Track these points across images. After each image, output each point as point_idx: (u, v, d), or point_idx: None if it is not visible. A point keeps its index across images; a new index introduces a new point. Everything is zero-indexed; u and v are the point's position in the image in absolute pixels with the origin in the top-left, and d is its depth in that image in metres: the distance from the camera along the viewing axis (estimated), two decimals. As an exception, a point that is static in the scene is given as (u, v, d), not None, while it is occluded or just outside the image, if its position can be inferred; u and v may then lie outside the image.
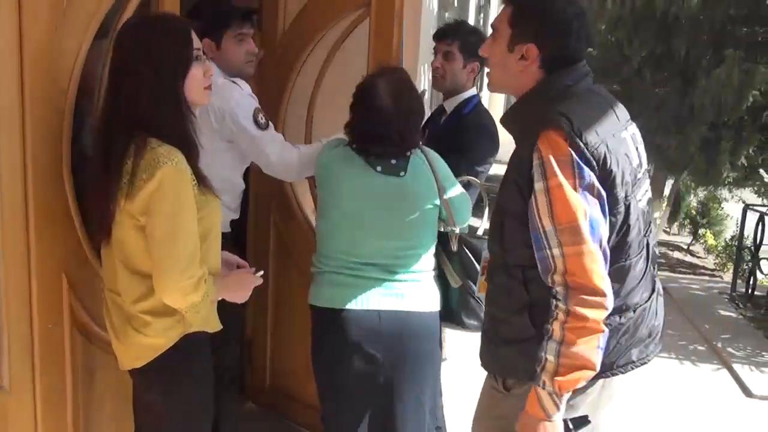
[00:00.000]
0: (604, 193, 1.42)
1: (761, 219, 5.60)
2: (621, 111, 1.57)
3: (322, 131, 2.64)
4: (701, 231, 8.15)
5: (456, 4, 8.61)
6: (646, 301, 1.57)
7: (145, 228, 1.53)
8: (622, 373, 1.55)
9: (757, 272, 5.65)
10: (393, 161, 2.02)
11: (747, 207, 5.93)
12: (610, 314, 1.43)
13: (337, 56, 2.67)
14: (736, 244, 6.23)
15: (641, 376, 1.68)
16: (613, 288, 1.42)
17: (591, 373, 1.40)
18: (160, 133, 1.54)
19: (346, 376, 2.02)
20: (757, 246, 5.65)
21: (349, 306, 2.00)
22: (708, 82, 5.53)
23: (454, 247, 2.15)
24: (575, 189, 1.38)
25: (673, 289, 5.69)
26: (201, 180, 1.61)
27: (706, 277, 6.65)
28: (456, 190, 2.14)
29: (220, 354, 2.47)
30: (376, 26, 2.50)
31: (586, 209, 1.38)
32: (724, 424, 3.58)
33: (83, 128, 1.82)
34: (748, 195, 7.11)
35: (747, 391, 3.97)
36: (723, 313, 5.38)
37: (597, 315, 1.38)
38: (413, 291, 2.05)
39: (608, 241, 1.44)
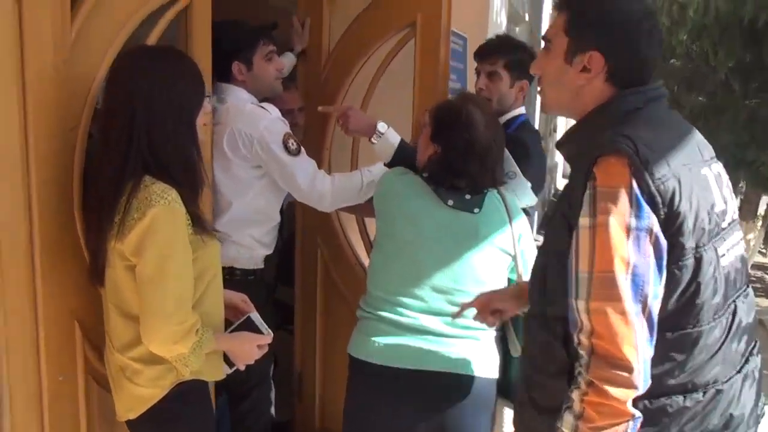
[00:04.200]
0: (664, 242, 1.15)
1: None
2: (704, 146, 1.32)
3: (367, 161, 2.49)
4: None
5: (527, 18, 8.31)
6: (725, 382, 1.26)
7: (135, 268, 1.44)
8: None
9: None
10: (468, 196, 1.80)
11: None
12: (672, 393, 1.18)
13: (381, 81, 2.52)
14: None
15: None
16: (675, 360, 1.17)
17: None
18: (164, 171, 1.45)
19: None
20: None
21: (392, 363, 1.77)
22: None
23: None
24: (626, 232, 1.13)
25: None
26: (196, 220, 1.50)
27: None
28: (530, 243, 1.89)
29: (252, 399, 2.36)
30: (422, 47, 2.35)
31: (632, 259, 1.13)
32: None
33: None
34: None
35: None
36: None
37: (622, 394, 1.12)
38: (470, 351, 1.79)
39: (667, 302, 1.18)
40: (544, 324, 1.31)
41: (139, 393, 1.53)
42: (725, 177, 1.33)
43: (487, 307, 1.67)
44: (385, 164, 2.15)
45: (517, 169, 2.03)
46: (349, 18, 2.57)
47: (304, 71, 2.74)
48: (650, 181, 1.14)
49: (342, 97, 2.60)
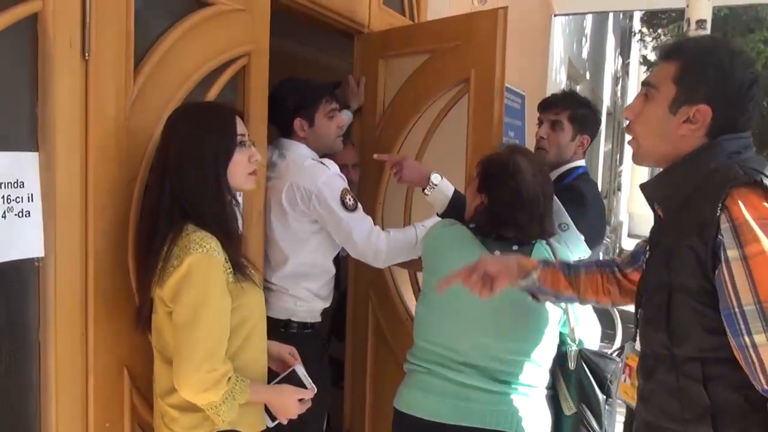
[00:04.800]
0: None
1: None
2: None
3: (420, 215, 2.48)
4: None
5: (588, 77, 8.28)
6: None
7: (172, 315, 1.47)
8: None
9: None
10: (515, 247, 1.78)
11: None
12: None
13: (435, 136, 2.53)
14: None
15: None
16: None
17: None
18: (200, 219, 1.50)
19: None
20: None
21: (435, 417, 1.73)
22: None
23: (572, 365, 1.80)
24: None
25: None
26: (238, 268, 1.53)
27: None
28: None
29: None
30: (476, 101, 2.37)
31: None
32: None
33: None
34: None
35: None
36: None
37: None
38: (520, 408, 1.72)
39: None
40: (673, 366, 1.27)
41: None
42: None
43: (470, 274, 1.59)
44: (438, 215, 2.14)
45: (570, 221, 1.98)
46: (403, 76, 2.61)
47: (359, 128, 2.79)
48: None
49: (396, 152, 2.62)
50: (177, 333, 1.47)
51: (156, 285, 1.51)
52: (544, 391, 1.79)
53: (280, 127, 2.32)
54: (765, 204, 1.16)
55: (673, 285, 1.26)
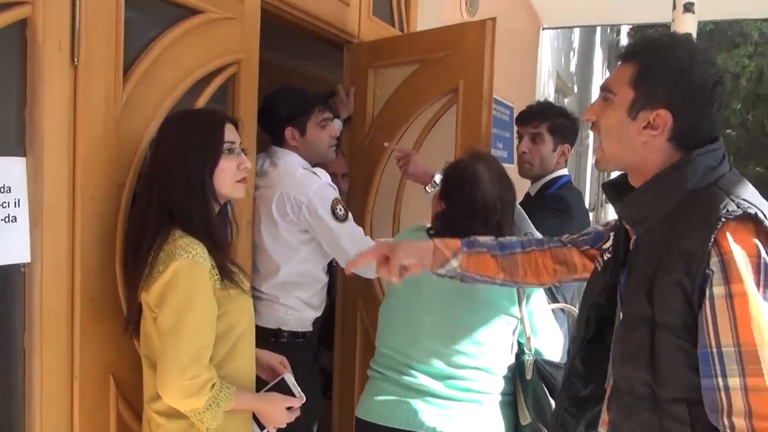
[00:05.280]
0: None
1: None
2: None
3: (408, 224, 2.49)
4: None
5: (576, 91, 8.36)
6: None
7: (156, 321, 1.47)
8: None
9: None
10: None
11: None
12: None
13: (424, 146, 2.55)
14: None
15: None
16: None
17: None
18: (188, 225, 1.51)
19: None
20: None
21: (388, 422, 1.75)
22: None
23: (529, 375, 1.80)
24: (765, 301, 1.07)
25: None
26: (226, 274, 1.52)
27: None
28: (540, 304, 1.83)
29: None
30: (464, 112, 2.38)
31: None
32: None
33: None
34: None
35: None
36: None
37: None
38: (470, 415, 1.73)
39: None
40: (655, 406, 1.19)
41: None
42: None
43: (385, 257, 1.53)
44: None
45: (534, 230, 2.00)
46: (392, 86, 2.63)
47: (348, 137, 2.79)
48: None
49: (385, 162, 2.63)
50: (161, 338, 1.46)
51: (143, 290, 1.50)
52: (499, 398, 1.80)
53: (273, 136, 2.32)
54: (754, 240, 1.09)
55: (658, 322, 1.18)
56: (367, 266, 1.67)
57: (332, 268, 2.46)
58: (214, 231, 1.55)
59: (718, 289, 1.09)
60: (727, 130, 6.85)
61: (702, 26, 6.20)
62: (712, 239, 1.10)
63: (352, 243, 2.16)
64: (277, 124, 2.28)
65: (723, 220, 1.10)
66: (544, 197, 2.35)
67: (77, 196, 1.52)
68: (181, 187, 1.52)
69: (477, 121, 2.32)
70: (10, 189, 1.40)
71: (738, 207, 1.11)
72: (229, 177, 1.59)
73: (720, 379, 1.07)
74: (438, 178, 2.15)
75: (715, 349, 1.08)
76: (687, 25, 3.67)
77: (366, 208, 2.67)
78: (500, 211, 1.77)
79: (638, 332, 1.21)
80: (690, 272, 1.12)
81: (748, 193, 1.17)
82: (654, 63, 1.22)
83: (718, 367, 1.08)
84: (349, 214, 2.21)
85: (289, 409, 1.64)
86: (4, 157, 1.40)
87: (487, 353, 1.76)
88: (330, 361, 2.92)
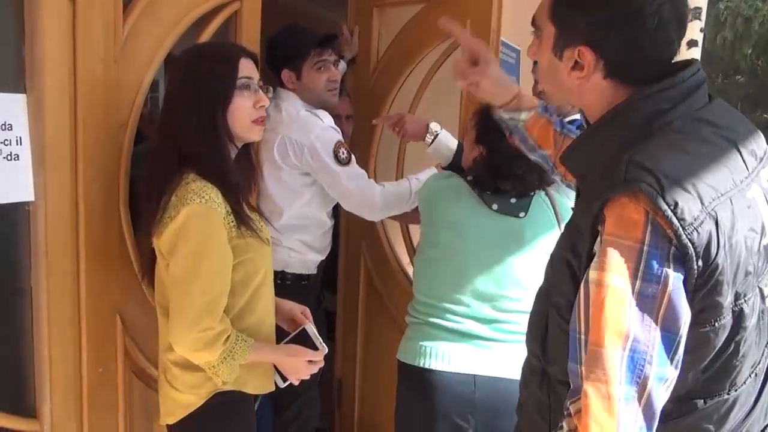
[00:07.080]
0: (686, 310, 0.89)
1: None
2: (751, 148, 1.01)
3: (412, 168, 2.48)
4: None
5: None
6: None
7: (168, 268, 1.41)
8: None
9: None
10: (513, 200, 1.77)
11: None
12: None
13: (429, 88, 2.51)
14: None
15: None
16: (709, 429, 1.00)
17: None
18: (200, 167, 1.41)
19: None
20: None
21: (439, 366, 1.74)
22: None
23: None
24: (634, 296, 0.88)
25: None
26: (242, 221, 1.43)
27: None
28: None
29: (298, 407, 2.35)
30: (470, 53, 2.31)
31: (633, 333, 0.87)
32: None
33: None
34: None
35: None
36: None
37: None
38: (513, 355, 1.72)
39: (696, 369, 0.97)
40: (546, 383, 1.11)
41: (178, 398, 1.48)
42: None
43: (470, 62, 1.44)
44: (443, 168, 2.13)
45: None
46: (398, 26, 2.57)
47: (353, 79, 2.75)
48: (681, 231, 0.87)
49: (389, 104, 2.60)
50: (172, 288, 1.39)
51: (155, 236, 1.42)
52: None
53: (276, 77, 2.28)
54: (640, 219, 0.89)
55: (549, 299, 1.08)
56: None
57: (337, 212, 2.45)
58: (229, 174, 1.43)
59: (593, 273, 0.92)
60: (736, 77, 6.74)
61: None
62: (598, 214, 0.93)
63: (355, 186, 2.15)
64: (276, 66, 2.23)
65: (615, 192, 0.91)
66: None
67: (79, 134, 1.51)
68: (191, 125, 1.41)
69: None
70: (11, 126, 1.39)
71: (629, 176, 0.90)
72: (244, 115, 1.45)
73: (579, 366, 0.92)
74: (435, 126, 2.12)
75: (580, 334, 0.93)
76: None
77: (370, 151, 2.65)
78: None
79: (540, 303, 1.14)
80: (576, 251, 0.99)
81: (670, 149, 0.94)
82: None
83: (580, 353, 0.92)
84: (352, 157, 2.18)
85: (310, 361, 1.58)
86: (4, 93, 1.38)
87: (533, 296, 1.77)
88: (333, 304, 2.94)
